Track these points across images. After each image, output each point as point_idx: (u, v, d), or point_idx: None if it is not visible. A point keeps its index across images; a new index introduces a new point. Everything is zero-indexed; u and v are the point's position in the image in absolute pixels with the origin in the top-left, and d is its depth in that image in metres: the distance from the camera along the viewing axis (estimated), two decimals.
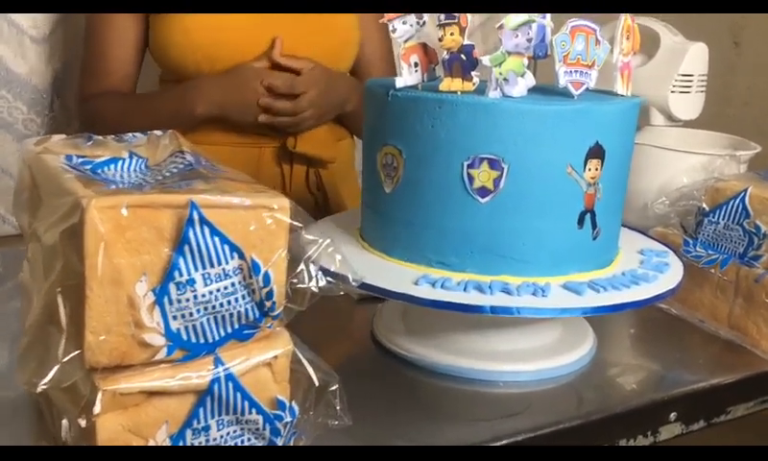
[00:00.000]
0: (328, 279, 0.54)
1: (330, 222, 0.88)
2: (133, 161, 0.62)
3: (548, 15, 0.75)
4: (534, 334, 0.77)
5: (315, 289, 0.53)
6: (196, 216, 0.49)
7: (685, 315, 0.94)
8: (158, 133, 0.66)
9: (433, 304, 0.66)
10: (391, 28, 0.70)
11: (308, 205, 1.27)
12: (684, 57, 1.06)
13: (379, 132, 0.76)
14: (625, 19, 0.74)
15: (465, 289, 0.68)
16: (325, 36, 1.17)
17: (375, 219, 0.78)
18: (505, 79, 0.68)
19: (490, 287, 0.68)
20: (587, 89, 0.72)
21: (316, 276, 0.53)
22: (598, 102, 0.71)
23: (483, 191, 0.70)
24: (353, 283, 0.55)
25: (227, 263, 0.51)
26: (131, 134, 0.66)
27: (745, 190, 0.87)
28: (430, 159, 0.71)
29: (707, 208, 0.91)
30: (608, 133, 0.71)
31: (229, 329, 0.53)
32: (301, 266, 0.52)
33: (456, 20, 0.67)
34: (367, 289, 0.69)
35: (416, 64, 0.71)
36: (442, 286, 0.69)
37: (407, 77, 0.71)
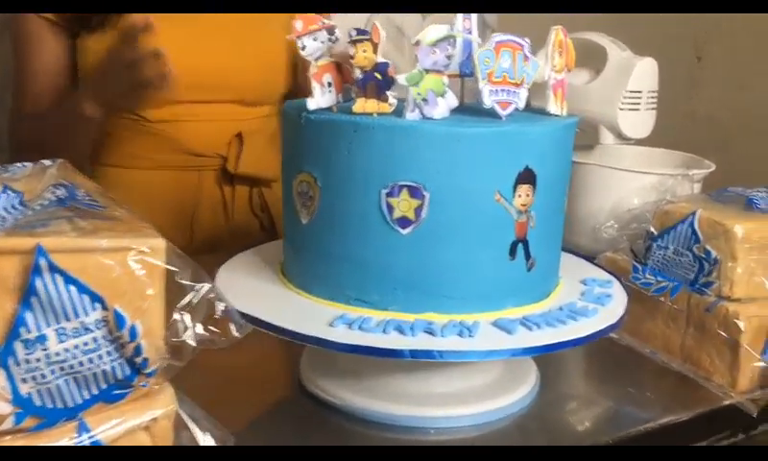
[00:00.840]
0: (210, 328, 0.47)
1: (254, 255, 0.81)
2: (4, 197, 0.55)
3: (475, 31, 0.70)
4: (471, 374, 0.71)
5: (191, 343, 0.46)
6: (44, 263, 0.43)
7: (637, 346, 0.88)
8: (47, 162, 0.59)
9: (347, 349, 0.60)
10: (300, 45, 0.64)
11: (254, 227, 1.21)
12: (631, 72, 1.01)
13: (294, 157, 0.70)
14: (556, 34, 0.68)
15: (384, 330, 0.62)
16: (253, 58, 1.12)
17: (294, 253, 0.72)
18: (424, 99, 0.63)
19: (412, 328, 0.62)
20: (515, 109, 0.66)
21: (192, 327, 0.46)
22: (527, 123, 0.65)
23: (403, 221, 0.64)
24: (237, 334, 0.48)
25: (86, 316, 0.44)
26: (19, 164, 0.59)
27: (694, 213, 0.82)
28: (346, 188, 0.65)
29: (655, 233, 0.86)
30: (539, 156, 0.65)
31: (94, 391, 0.46)
32: (174, 316, 0.46)
33: (368, 36, 0.61)
34: (274, 332, 0.62)
35: (329, 84, 0.65)
36: (359, 327, 0.62)
37: (320, 98, 0.65)
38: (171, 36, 1.06)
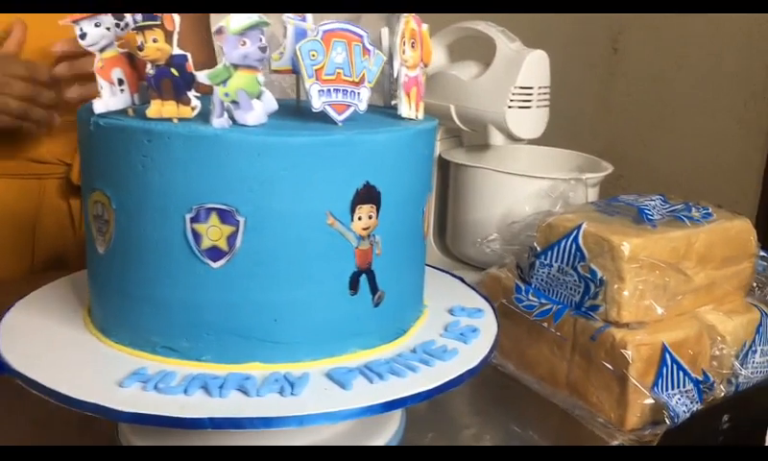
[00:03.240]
0: None
1: (70, 284, 0.68)
2: None
3: (309, 16, 0.58)
4: (309, 431, 0.59)
5: None
6: None
7: (522, 374, 0.78)
8: None
9: (131, 419, 0.47)
10: (78, 31, 0.51)
11: None
12: (520, 67, 0.91)
13: (87, 172, 0.57)
14: (406, 22, 0.57)
15: (186, 391, 0.50)
16: None
17: (94, 289, 0.59)
18: (234, 101, 0.50)
19: (222, 385, 0.50)
20: (355, 113, 0.55)
21: None
22: (367, 130, 0.54)
23: (214, 253, 0.51)
24: None
25: None
26: None
27: (579, 227, 0.72)
28: (143, 211, 0.52)
29: (538, 249, 0.76)
30: (383, 169, 0.54)
31: None
32: None
33: (158, 22, 0.49)
34: (44, 394, 0.49)
35: (120, 82, 0.52)
36: (155, 387, 0.50)
37: (108, 99, 0.52)
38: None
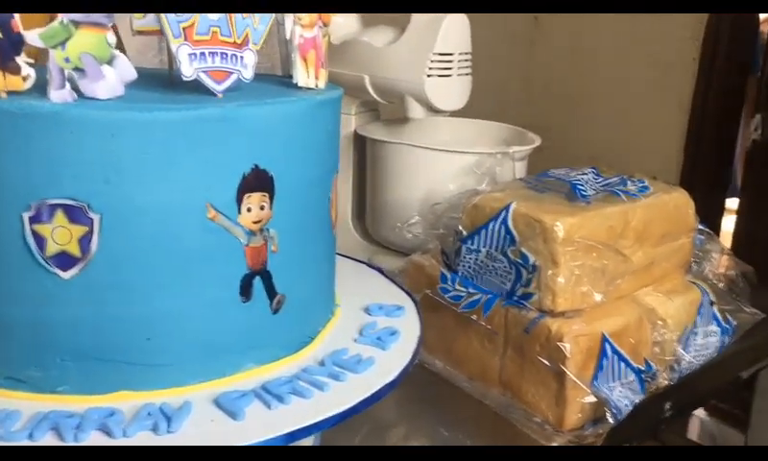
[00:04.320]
0: None
1: None
2: None
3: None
4: None
5: None
6: None
7: (450, 372, 0.71)
8: None
9: None
10: None
11: None
12: (438, 32, 0.82)
13: None
14: None
15: (31, 435, 0.39)
16: None
17: None
18: (77, 69, 0.40)
19: (79, 425, 0.40)
20: (239, 81, 0.45)
21: None
22: (254, 102, 0.44)
23: (64, 260, 0.41)
24: None
25: None
26: None
27: (507, 207, 0.64)
28: None
29: (464, 233, 0.68)
30: (274, 150, 0.45)
31: None
32: None
33: None
34: None
35: None
36: None
37: None
38: None
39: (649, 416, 0.67)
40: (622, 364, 0.64)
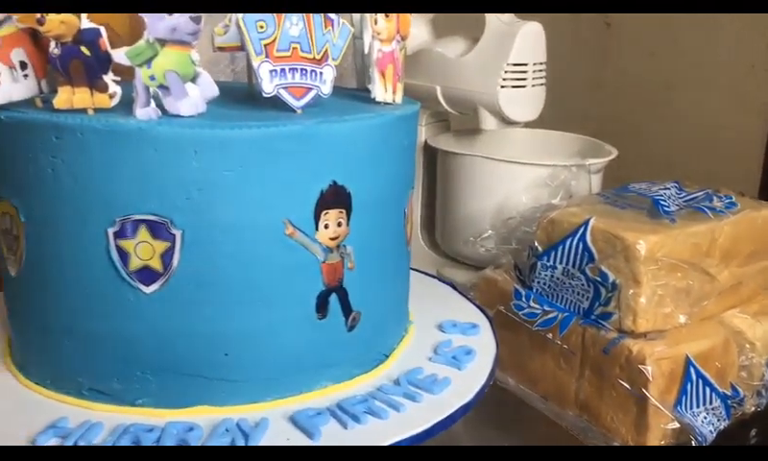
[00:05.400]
0: None
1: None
2: None
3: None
4: None
5: None
6: None
7: (525, 391, 0.69)
8: None
9: None
10: None
11: None
12: (513, 42, 0.81)
13: None
14: None
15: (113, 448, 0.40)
16: None
17: (9, 316, 0.49)
18: (162, 86, 0.40)
19: (158, 440, 0.40)
20: (318, 97, 0.45)
21: None
22: (333, 118, 0.44)
23: (146, 275, 0.42)
24: None
25: None
26: None
27: (586, 223, 0.62)
28: (57, 225, 0.42)
29: (540, 249, 0.66)
30: (352, 166, 0.44)
31: None
32: None
33: None
34: None
35: (23, 65, 0.42)
36: (75, 444, 0.40)
37: (9, 86, 0.42)
38: None
39: (732, 441, 0.64)
40: (707, 389, 0.61)
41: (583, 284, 0.63)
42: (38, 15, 0.39)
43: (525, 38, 0.81)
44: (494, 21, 0.84)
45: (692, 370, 0.60)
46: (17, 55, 0.42)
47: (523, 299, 0.67)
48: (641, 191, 0.68)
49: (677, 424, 0.58)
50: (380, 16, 0.47)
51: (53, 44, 0.39)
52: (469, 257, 0.89)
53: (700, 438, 0.59)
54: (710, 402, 0.61)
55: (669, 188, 0.69)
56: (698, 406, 0.61)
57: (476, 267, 0.87)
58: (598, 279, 0.61)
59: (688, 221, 0.64)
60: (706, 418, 0.61)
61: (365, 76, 0.55)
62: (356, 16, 0.51)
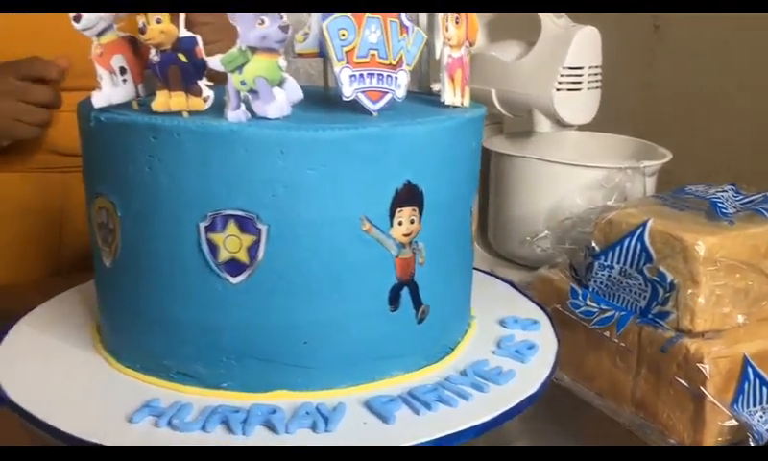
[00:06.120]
0: None
1: (77, 296, 0.62)
2: None
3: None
4: None
5: None
6: None
7: (579, 388, 0.70)
8: None
9: None
10: (72, 15, 0.44)
11: None
12: (569, 46, 0.82)
13: (90, 175, 0.50)
14: None
15: (204, 427, 0.43)
16: None
17: (102, 306, 0.53)
18: (252, 90, 0.43)
19: (245, 420, 0.43)
20: (393, 101, 0.47)
21: None
22: (407, 121, 0.46)
23: (233, 266, 0.45)
24: None
25: None
26: None
27: (644, 224, 0.64)
28: (152, 219, 0.46)
29: (597, 248, 0.68)
30: (425, 166, 0.47)
31: None
32: None
33: None
34: (42, 429, 0.43)
35: (122, 70, 0.46)
36: (169, 423, 0.43)
37: (109, 90, 0.45)
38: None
39: None
40: (764, 388, 0.62)
41: (640, 284, 0.64)
42: (140, 24, 0.42)
43: (581, 42, 0.83)
44: (550, 25, 0.85)
45: (749, 369, 0.61)
46: (117, 61, 0.45)
47: (580, 297, 0.69)
48: (698, 193, 0.69)
49: (734, 422, 0.59)
50: (451, 23, 0.50)
51: (153, 51, 0.43)
52: (523, 257, 0.90)
53: (757, 436, 0.59)
54: (767, 402, 0.62)
55: (726, 191, 0.70)
56: (755, 405, 0.61)
57: (527, 267, 0.89)
58: (656, 278, 0.63)
59: (746, 223, 0.64)
60: (762, 416, 0.62)
61: (427, 79, 0.58)
62: (423, 22, 0.53)
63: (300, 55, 0.51)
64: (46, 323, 0.57)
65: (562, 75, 0.83)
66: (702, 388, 0.60)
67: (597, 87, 0.87)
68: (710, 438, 0.61)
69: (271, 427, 0.43)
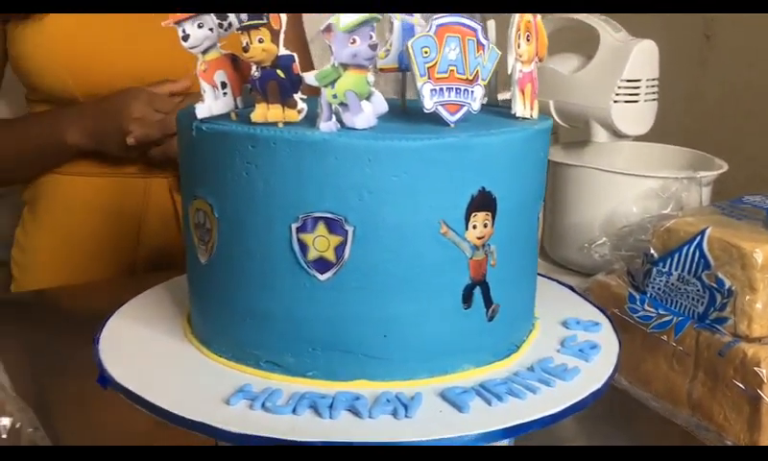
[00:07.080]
0: None
1: (166, 291, 0.67)
2: None
3: (417, 13, 0.55)
4: None
5: None
6: None
7: (636, 390, 0.73)
8: None
9: (239, 440, 0.45)
10: (180, 33, 0.48)
11: None
12: (627, 58, 0.85)
13: (188, 179, 0.55)
14: (521, 14, 0.53)
15: (294, 410, 0.47)
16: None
17: (196, 300, 0.57)
18: (342, 103, 0.47)
19: (331, 405, 0.47)
20: (468, 113, 0.51)
21: None
22: (483, 131, 0.50)
23: (321, 264, 0.49)
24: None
25: None
26: None
27: (702, 232, 0.66)
28: (247, 220, 0.50)
29: (656, 255, 0.70)
30: (499, 174, 0.50)
31: None
32: None
33: (265, 21, 0.46)
34: (148, 409, 0.47)
35: (223, 84, 0.50)
36: (263, 406, 0.47)
37: (211, 103, 0.50)
38: (109, 25, 0.93)
39: None
40: None
41: (698, 290, 0.67)
42: (244, 43, 0.46)
43: (639, 55, 0.85)
44: (609, 39, 0.88)
45: None
46: (219, 76, 0.50)
47: (638, 303, 0.72)
48: (756, 203, 0.71)
49: None
50: (523, 40, 0.53)
51: (254, 68, 0.47)
52: (578, 264, 0.93)
53: None
54: None
55: None
56: None
57: (581, 274, 0.91)
58: (714, 285, 0.65)
59: None
60: None
61: (495, 91, 0.61)
62: (492, 37, 0.56)
63: (382, 70, 0.55)
64: (138, 315, 0.62)
65: (620, 87, 0.86)
66: (759, 391, 0.62)
67: (654, 99, 0.89)
68: (766, 439, 0.63)
69: (355, 412, 0.47)
